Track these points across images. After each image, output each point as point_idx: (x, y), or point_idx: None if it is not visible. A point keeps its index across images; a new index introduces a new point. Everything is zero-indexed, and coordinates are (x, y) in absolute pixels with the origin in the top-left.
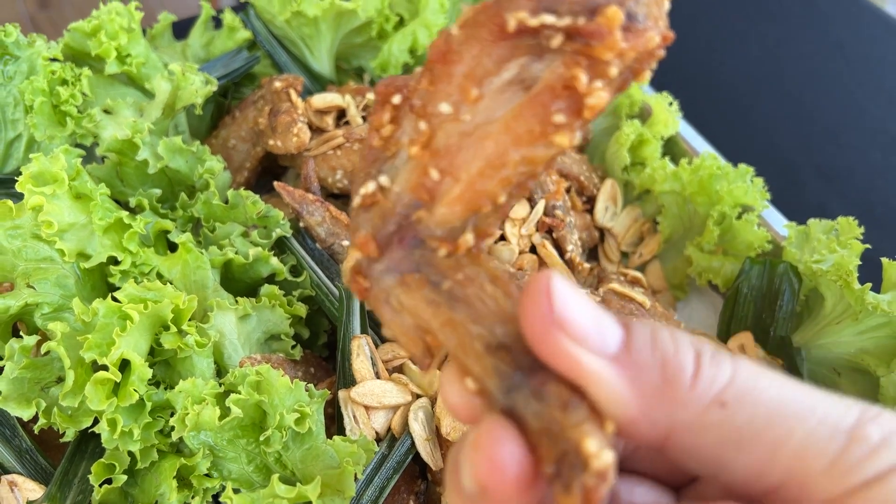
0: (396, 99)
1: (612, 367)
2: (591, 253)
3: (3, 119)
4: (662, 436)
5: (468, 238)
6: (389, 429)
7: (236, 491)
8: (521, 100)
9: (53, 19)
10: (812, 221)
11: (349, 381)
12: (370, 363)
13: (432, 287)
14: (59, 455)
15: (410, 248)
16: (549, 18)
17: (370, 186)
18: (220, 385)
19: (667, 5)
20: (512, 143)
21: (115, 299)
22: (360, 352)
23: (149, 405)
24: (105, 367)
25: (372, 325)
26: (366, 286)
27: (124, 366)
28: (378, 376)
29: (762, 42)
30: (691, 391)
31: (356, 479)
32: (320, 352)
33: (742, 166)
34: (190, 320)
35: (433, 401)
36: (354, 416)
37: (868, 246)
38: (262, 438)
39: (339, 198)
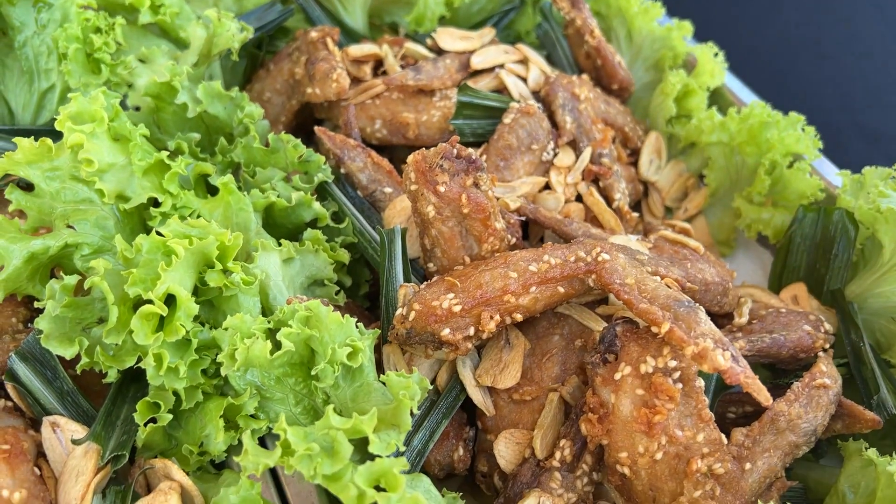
0: None
1: None
2: (635, 207)
3: (37, 68)
4: None
5: None
6: (434, 382)
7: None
8: None
9: None
10: (867, 169)
11: None
12: None
13: None
14: (99, 401)
15: None
16: None
17: None
18: (269, 322)
19: None
20: None
21: (159, 234)
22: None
23: (195, 342)
24: (150, 303)
25: (414, 272)
26: None
27: (169, 302)
28: None
29: (800, 3)
30: None
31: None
32: (361, 302)
33: (793, 114)
34: (234, 261)
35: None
36: (397, 369)
37: None
38: (313, 373)
39: (379, 149)
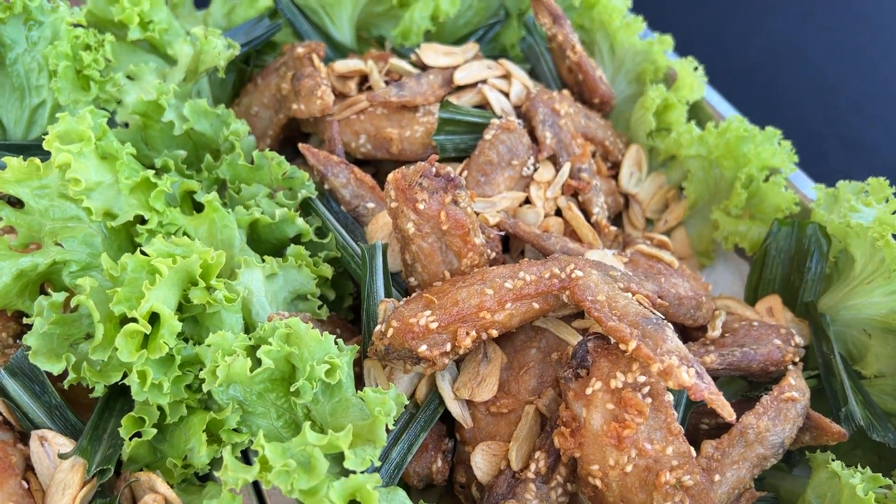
0: None
1: None
2: (616, 220)
3: (28, 85)
4: None
5: None
6: (413, 395)
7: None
8: None
9: None
10: (841, 183)
11: None
12: None
13: None
14: (86, 415)
15: None
16: None
17: None
18: (250, 339)
19: None
20: None
21: (144, 253)
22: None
23: (178, 359)
24: (134, 321)
25: (395, 286)
26: None
27: (153, 320)
28: None
29: (785, 14)
30: None
31: (387, 430)
32: (345, 314)
33: (770, 129)
34: (218, 277)
35: (458, 362)
36: (376, 383)
37: None
38: (292, 389)
39: (364, 163)
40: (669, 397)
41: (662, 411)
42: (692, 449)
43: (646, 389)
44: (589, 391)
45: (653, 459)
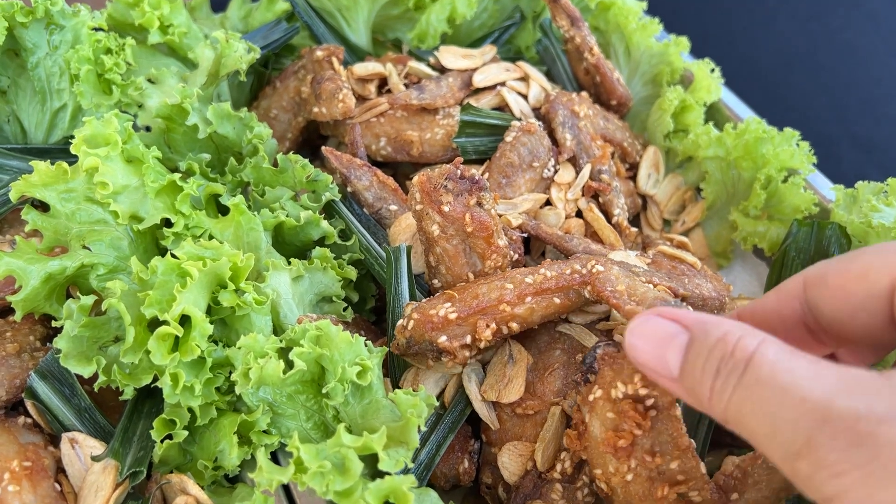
0: None
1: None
2: (634, 221)
3: (49, 88)
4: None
5: None
6: (440, 397)
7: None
8: None
9: None
10: (860, 184)
11: None
12: None
13: None
14: (114, 416)
15: None
16: None
17: None
18: (281, 341)
19: None
20: None
21: (174, 256)
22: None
23: (209, 361)
24: (165, 324)
25: (419, 288)
26: None
27: (184, 323)
28: None
29: (794, 16)
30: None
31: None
32: (368, 316)
33: (788, 130)
34: (246, 280)
35: (484, 365)
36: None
37: None
38: (323, 391)
39: (383, 166)
40: (678, 411)
41: (669, 425)
42: (702, 465)
43: (649, 402)
44: (591, 398)
45: (656, 472)
